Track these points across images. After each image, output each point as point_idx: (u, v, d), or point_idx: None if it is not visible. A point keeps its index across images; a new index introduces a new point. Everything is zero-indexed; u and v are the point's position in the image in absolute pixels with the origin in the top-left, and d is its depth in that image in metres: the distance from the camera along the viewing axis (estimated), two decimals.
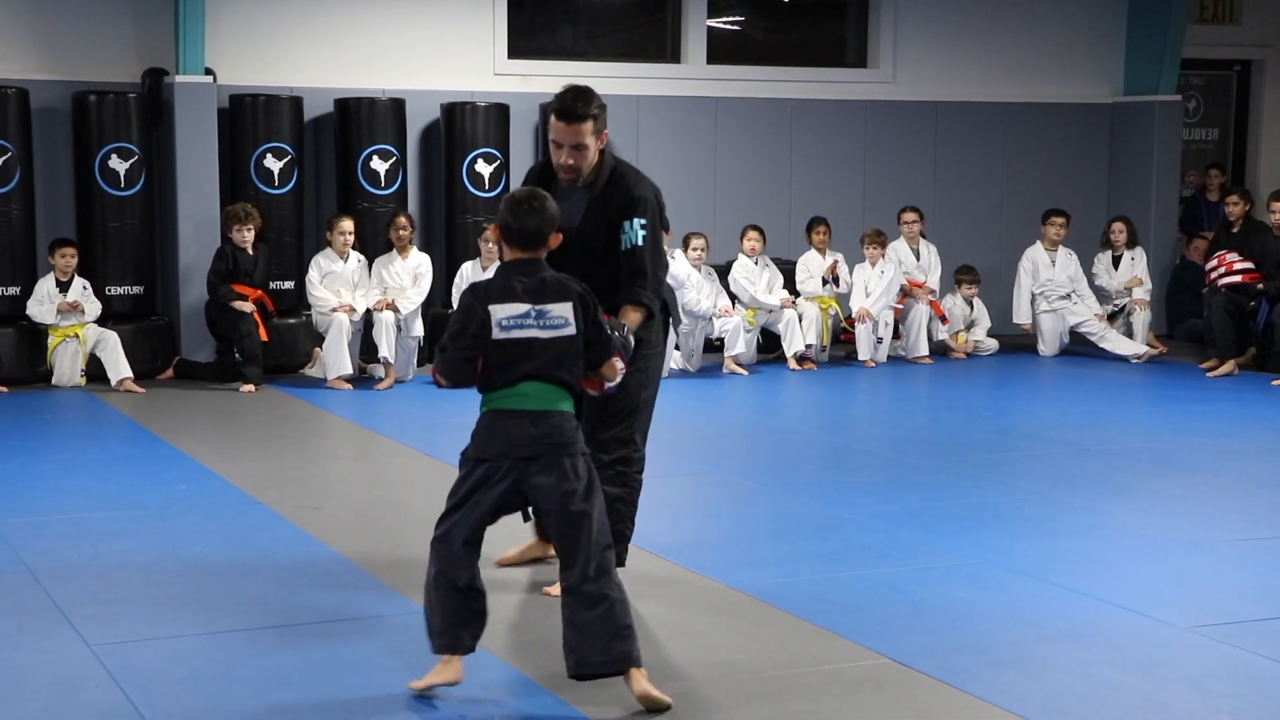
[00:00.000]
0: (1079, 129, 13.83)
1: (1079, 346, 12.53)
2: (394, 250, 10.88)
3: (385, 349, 10.53)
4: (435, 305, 11.38)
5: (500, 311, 4.41)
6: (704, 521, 6.90)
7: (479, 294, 4.47)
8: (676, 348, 11.15)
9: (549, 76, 12.01)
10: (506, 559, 5.86)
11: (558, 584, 5.47)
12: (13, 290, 10.51)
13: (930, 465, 8.08)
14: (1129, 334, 12.38)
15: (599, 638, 4.31)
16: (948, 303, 12.39)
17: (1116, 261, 12.69)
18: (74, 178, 10.90)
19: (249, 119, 11.07)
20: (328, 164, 11.62)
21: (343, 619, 5.27)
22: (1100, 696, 4.55)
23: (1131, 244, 12.67)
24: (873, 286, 11.79)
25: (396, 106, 11.41)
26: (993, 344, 12.48)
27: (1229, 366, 11.36)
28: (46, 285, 10.36)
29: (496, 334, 4.40)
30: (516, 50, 12.23)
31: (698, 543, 6.30)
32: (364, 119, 11.28)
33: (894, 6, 13.19)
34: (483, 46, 12.09)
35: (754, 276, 11.54)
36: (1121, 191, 13.84)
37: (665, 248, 5.68)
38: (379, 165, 11.29)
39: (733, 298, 11.52)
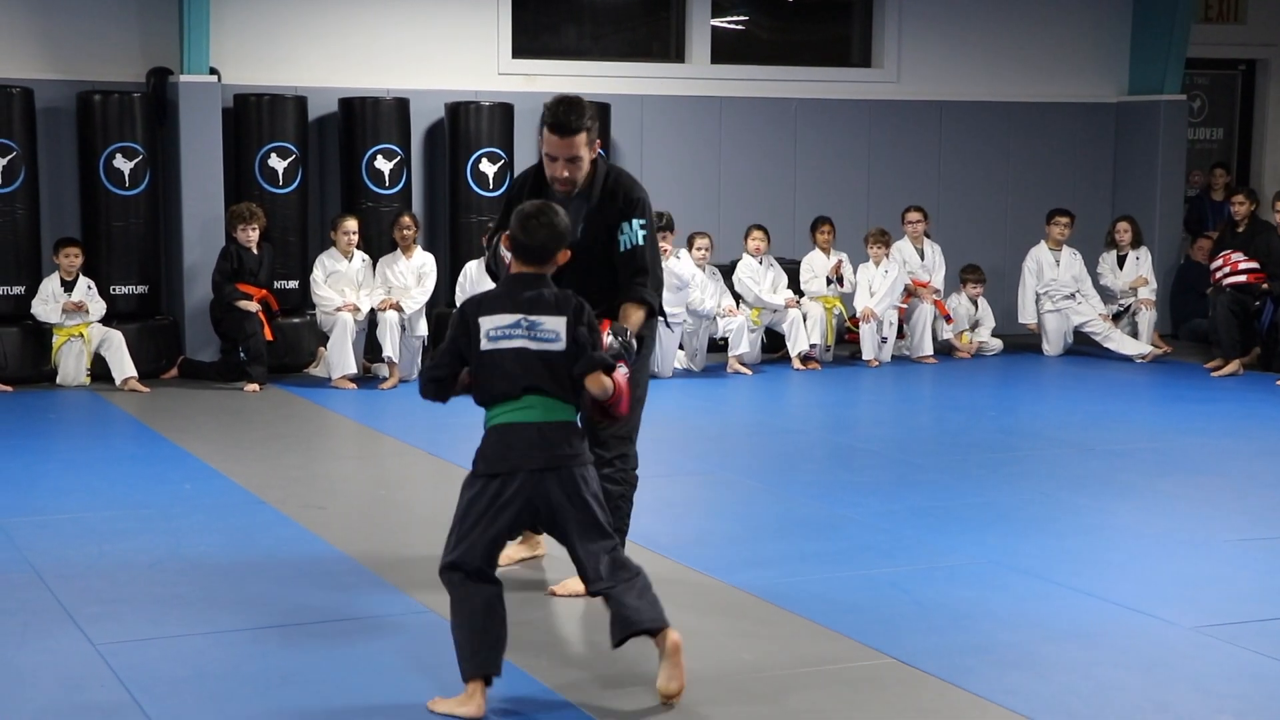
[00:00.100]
0: (1084, 128, 13.82)
1: (1083, 346, 12.52)
2: (398, 250, 10.89)
3: (389, 349, 10.54)
4: (439, 305, 11.38)
5: (489, 322, 4.39)
6: (708, 521, 6.90)
7: (471, 305, 4.47)
8: (680, 347, 11.16)
9: (553, 76, 12.02)
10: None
11: (563, 584, 5.51)
12: (17, 290, 10.52)
13: (934, 465, 8.08)
14: (1134, 334, 12.38)
15: (639, 608, 4.38)
16: (952, 302, 12.39)
17: (1121, 261, 12.69)
18: (79, 177, 10.91)
19: (253, 118, 11.08)
20: (332, 163, 11.62)
21: (347, 618, 5.27)
22: (1104, 696, 4.55)
23: (1136, 244, 12.67)
24: (877, 286, 11.79)
25: (401, 106, 11.42)
26: (997, 344, 12.48)
27: (1233, 366, 11.35)
28: (51, 285, 10.37)
29: (484, 345, 4.38)
30: (521, 50, 12.24)
31: (701, 542, 6.30)
32: (368, 118, 11.29)
33: (898, 6, 13.18)
34: (487, 46, 12.10)
35: (758, 276, 11.54)
36: (1126, 191, 13.83)
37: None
38: (383, 165, 11.30)
39: (737, 297, 11.52)
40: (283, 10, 11.55)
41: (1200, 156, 14.64)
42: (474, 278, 10.60)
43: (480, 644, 4.32)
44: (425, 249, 11.14)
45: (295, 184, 11.17)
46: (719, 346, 11.52)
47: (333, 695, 4.51)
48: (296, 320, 11.10)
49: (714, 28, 12.84)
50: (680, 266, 10.89)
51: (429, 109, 11.74)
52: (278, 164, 11.07)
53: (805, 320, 11.51)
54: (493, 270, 5.32)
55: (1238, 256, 11.70)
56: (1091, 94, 13.84)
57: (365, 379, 10.74)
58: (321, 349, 10.90)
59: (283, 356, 10.91)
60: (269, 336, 10.54)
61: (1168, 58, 13.46)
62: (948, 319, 12.23)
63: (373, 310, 10.67)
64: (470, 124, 11.51)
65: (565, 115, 5.15)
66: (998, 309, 12.66)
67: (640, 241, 5.27)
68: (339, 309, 10.53)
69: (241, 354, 10.43)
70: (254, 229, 10.57)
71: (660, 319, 5.48)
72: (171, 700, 4.45)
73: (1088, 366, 11.92)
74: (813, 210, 12.38)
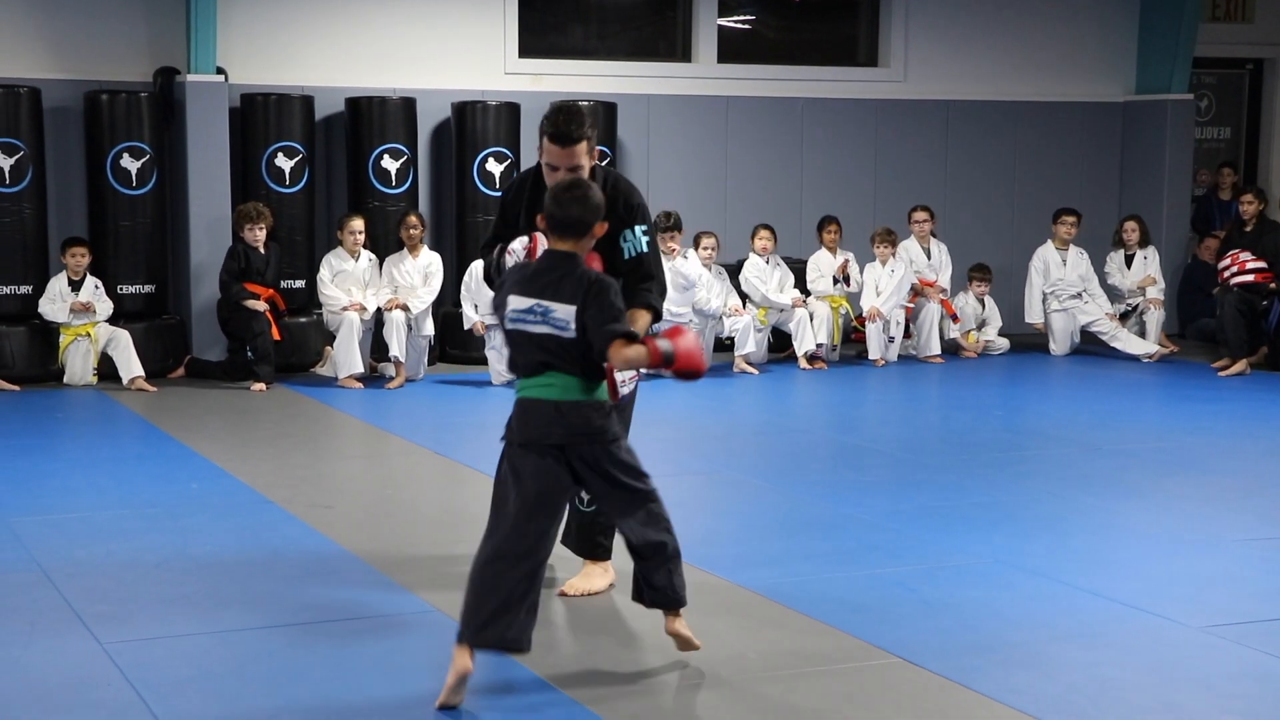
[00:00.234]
0: (1091, 128, 13.81)
1: (1090, 346, 12.51)
2: (405, 249, 10.89)
3: (396, 348, 10.55)
4: (446, 304, 11.39)
5: (512, 302, 4.50)
6: (713, 520, 6.89)
7: (508, 280, 4.58)
8: None
9: (560, 76, 12.03)
10: None
11: (570, 583, 5.51)
12: (25, 289, 10.53)
13: (941, 464, 8.07)
14: (1142, 333, 12.37)
15: (665, 577, 4.63)
16: (959, 301, 12.38)
17: (1129, 261, 12.67)
18: (86, 177, 10.93)
19: (260, 118, 11.09)
20: (339, 163, 11.64)
21: (354, 617, 5.27)
22: (1110, 696, 4.55)
23: (1144, 243, 12.65)
24: (883, 285, 11.78)
25: (407, 105, 11.43)
26: (1004, 343, 12.47)
27: (1241, 366, 11.34)
28: (58, 284, 10.39)
29: (506, 324, 4.52)
30: (527, 49, 12.24)
31: (707, 541, 6.29)
32: (375, 118, 11.30)
33: (905, 5, 13.17)
34: (494, 45, 12.10)
35: (765, 275, 11.54)
36: (1133, 190, 13.82)
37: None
38: (390, 164, 11.31)
39: (743, 297, 11.52)
40: (290, 10, 11.56)
41: (1207, 156, 14.62)
42: (480, 277, 10.60)
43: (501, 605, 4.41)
44: (432, 248, 11.14)
45: (302, 183, 11.19)
46: (725, 346, 11.52)
47: (339, 694, 4.51)
48: (303, 320, 11.11)
49: (720, 27, 12.83)
50: (687, 266, 10.89)
51: (435, 108, 11.75)
52: (284, 163, 11.08)
53: (811, 320, 11.51)
54: (492, 280, 5.31)
55: (1245, 256, 11.69)
56: (1099, 93, 13.83)
57: (372, 378, 10.74)
58: (328, 348, 10.91)
59: (289, 356, 10.92)
60: (276, 336, 10.55)
61: (1175, 57, 13.45)
62: (954, 318, 12.22)
63: (379, 310, 10.68)
64: (477, 123, 11.52)
65: (566, 125, 5.13)
66: (1004, 308, 12.65)
67: (645, 249, 5.30)
68: (346, 308, 10.54)
69: (248, 353, 10.44)
70: (261, 228, 10.59)
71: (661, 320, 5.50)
72: (178, 699, 4.46)
73: (1094, 366, 11.91)
74: (819, 210, 12.37)
